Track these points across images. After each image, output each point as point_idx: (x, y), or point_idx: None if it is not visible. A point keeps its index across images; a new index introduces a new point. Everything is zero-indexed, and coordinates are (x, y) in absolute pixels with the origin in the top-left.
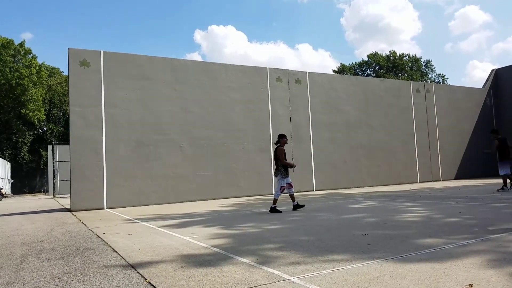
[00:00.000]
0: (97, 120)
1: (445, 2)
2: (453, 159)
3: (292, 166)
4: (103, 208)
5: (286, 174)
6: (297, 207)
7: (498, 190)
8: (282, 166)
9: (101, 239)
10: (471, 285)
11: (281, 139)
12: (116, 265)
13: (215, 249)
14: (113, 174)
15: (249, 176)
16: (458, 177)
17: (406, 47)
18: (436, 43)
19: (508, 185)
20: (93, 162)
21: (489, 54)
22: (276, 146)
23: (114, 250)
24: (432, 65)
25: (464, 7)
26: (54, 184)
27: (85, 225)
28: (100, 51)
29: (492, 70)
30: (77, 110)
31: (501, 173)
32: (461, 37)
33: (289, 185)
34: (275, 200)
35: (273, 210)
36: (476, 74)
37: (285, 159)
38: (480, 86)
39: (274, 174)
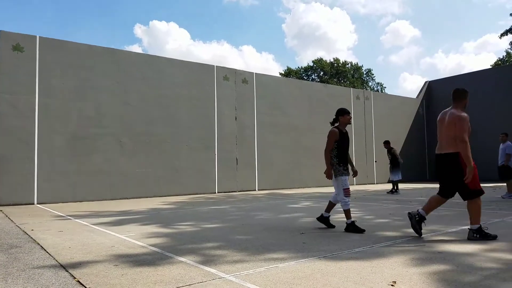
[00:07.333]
0: (29, 109)
1: (377, 16)
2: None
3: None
4: (33, 203)
5: (339, 172)
6: (352, 228)
7: (388, 193)
8: (336, 159)
9: (29, 236)
10: (395, 282)
11: (341, 117)
12: (44, 263)
13: (152, 248)
14: (46, 168)
15: (192, 174)
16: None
17: (343, 55)
18: (370, 55)
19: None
20: (24, 153)
21: (418, 68)
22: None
23: (42, 247)
24: (373, 74)
25: (395, 21)
26: None
27: (12, 221)
28: (36, 36)
29: (426, 82)
30: (8, 98)
31: (396, 178)
32: (392, 51)
33: (346, 191)
34: (347, 212)
35: (353, 228)
36: (407, 86)
37: (338, 148)
38: (413, 97)
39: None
